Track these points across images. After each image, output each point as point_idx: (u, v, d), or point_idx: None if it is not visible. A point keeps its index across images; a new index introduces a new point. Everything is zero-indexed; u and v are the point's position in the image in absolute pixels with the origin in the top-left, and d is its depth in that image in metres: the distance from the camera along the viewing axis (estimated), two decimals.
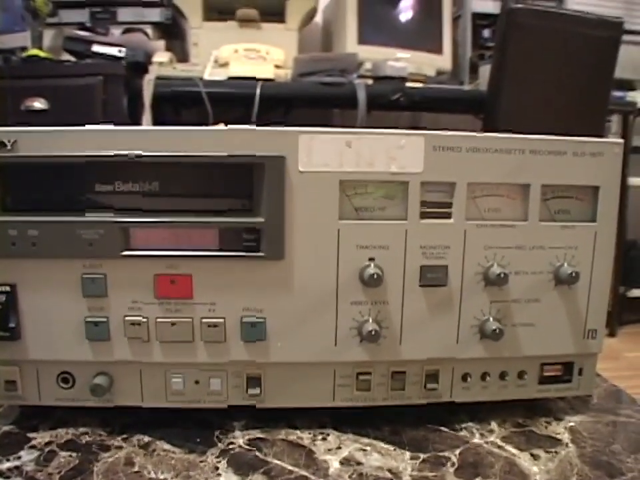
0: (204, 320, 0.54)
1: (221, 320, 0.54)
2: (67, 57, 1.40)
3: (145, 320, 0.53)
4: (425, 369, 0.57)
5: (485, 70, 1.56)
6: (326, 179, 0.52)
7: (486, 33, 2.08)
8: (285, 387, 0.57)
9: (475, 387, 0.59)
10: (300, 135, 0.51)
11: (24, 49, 1.44)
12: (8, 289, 0.53)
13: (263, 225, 0.52)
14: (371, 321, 0.54)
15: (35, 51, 1.35)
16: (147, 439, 0.55)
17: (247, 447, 0.54)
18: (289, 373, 0.56)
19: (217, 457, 0.52)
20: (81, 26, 1.47)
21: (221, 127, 0.52)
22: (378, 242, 0.53)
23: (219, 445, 0.55)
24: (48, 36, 1.51)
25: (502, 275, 0.54)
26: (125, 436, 0.55)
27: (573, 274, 0.55)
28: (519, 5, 1.37)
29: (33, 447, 0.54)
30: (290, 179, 0.51)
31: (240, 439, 0.56)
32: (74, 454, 0.52)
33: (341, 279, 0.54)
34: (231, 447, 0.54)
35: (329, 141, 0.51)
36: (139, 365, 0.55)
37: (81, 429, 0.56)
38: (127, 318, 0.53)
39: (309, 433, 0.57)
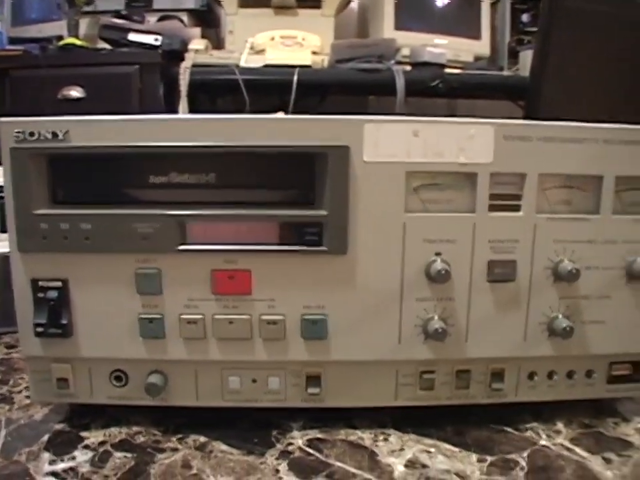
0: (263, 317, 0.52)
1: (281, 317, 0.52)
2: (103, 45, 1.39)
3: (201, 317, 0.52)
4: (490, 368, 0.55)
5: (525, 55, 1.53)
6: (392, 170, 0.50)
7: (525, 17, 2.03)
8: (346, 386, 0.55)
9: (541, 386, 0.57)
10: (365, 123, 0.49)
11: (60, 37, 1.43)
12: (60, 284, 0.51)
13: (326, 218, 0.50)
14: (436, 318, 0.52)
15: (71, 40, 1.33)
16: (202, 439, 0.53)
17: (307, 448, 0.52)
18: (350, 371, 0.54)
19: (277, 459, 0.51)
20: (117, 14, 1.45)
21: (281, 115, 0.50)
22: (445, 236, 0.51)
23: (278, 445, 0.53)
24: (84, 24, 1.49)
25: (573, 271, 0.51)
26: (179, 436, 0.54)
27: None
28: None
29: (86, 446, 0.52)
30: (354, 170, 0.49)
31: (299, 439, 0.54)
32: (129, 455, 0.51)
33: (406, 274, 0.51)
34: (290, 448, 0.52)
35: (396, 130, 0.49)
36: (194, 364, 0.54)
37: (134, 429, 0.55)
38: (182, 316, 0.52)
39: (370, 433, 0.55)
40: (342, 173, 0.49)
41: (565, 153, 0.51)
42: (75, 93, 1.22)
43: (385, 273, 0.51)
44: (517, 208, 0.52)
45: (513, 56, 1.62)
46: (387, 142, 0.49)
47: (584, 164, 0.51)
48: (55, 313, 0.51)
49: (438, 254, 0.51)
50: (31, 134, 0.49)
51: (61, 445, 0.52)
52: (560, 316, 0.53)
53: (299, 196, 0.51)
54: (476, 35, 1.59)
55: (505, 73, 1.55)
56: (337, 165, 0.49)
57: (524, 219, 0.52)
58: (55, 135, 0.49)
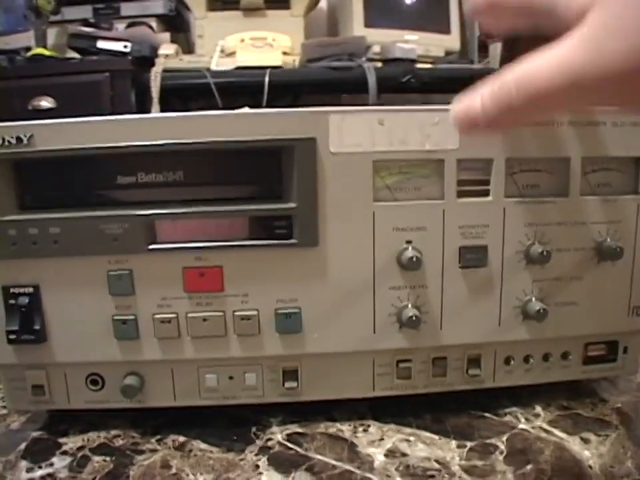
0: (236, 313, 0.51)
1: (254, 312, 0.52)
2: (72, 54, 1.38)
3: (174, 316, 0.51)
4: (466, 354, 0.55)
5: (495, 48, 1.53)
6: (359, 160, 0.50)
7: None
8: (323, 379, 0.55)
9: (517, 371, 0.57)
10: (330, 114, 0.49)
11: (28, 48, 1.41)
12: (31, 290, 0.51)
13: (295, 211, 0.50)
14: (410, 306, 0.52)
15: (39, 50, 1.32)
16: (181, 439, 0.53)
17: (287, 443, 0.52)
18: (326, 364, 0.54)
19: (257, 455, 0.51)
20: (85, 22, 1.44)
21: (246, 110, 0.50)
22: (415, 223, 0.51)
23: (257, 441, 0.53)
24: (52, 34, 1.47)
25: (544, 253, 0.51)
26: (158, 437, 0.54)
27: (617, 249, 0.53)
28: None
29: (64, 452, 0.52)
30: (321, 161, 0.49)
31: (278, 434, 0.54)
32: (108, 458, 0.51)
33: (378, 263, 0.51)
34: (269, 443, 0.52)
35: (361, 120, 0.49)
36: (170, 363, 0.53)
37: (113, 432, 0.55)
38: (156, 316, 0.51)
39: (349, 425, 0.55)
40: (309, 165, 0.49)
41: (531, 136, 0.51)
42: (46, 103, 1.21)
43: (357, 263, 0.51)
44: (485, 193, 0.52)
45: (483, 49, 1.62)
46: (352, 132, 0.49)
47: (550, 147, 0.52)
48: (27, 319, 0.51)
49: (409, 242, 0.51)
50: None
51: (39, 452, 0.52)
52: (533, 299, 0.54)
53: (268, 190, 0.51)
54: (446, 30, 1.59)
55: (476, 65, 1.55)
56: (303, 157, 0.49)
57: (493, 204, 0.52)
58: (19, 139, 0.48)
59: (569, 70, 0.33)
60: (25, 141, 0.48)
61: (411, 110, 0.50)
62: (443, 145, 0.50)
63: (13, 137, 0.48)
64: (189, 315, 0.51)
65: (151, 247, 0.50)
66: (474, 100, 0.36)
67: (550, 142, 0.51)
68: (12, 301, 0.51)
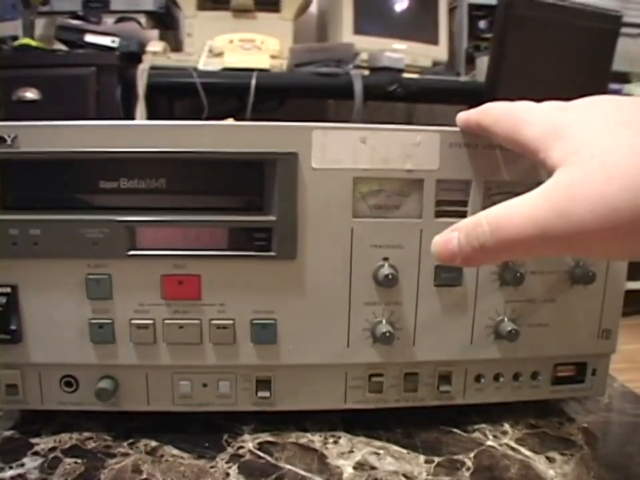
0: (213, 321, 0.52)
1: (231, 321, 0.52)
2: (59, 46, 1.38)
3: (151, 322, 0.52)
4: (437, 371, 0.56)
5: (482, 61, 1.55)
6: (339, 176, 0.50)
7: (482, 24, 2.05)
8: (296, 390, 0.55)
9: (488, 389, 0.58)
10: (313, 130, 0.49)
11: (15, 38, 1.41)
12: (9, 290, 0.51)
13: (275, 224, 0.50)
14: (384, 322, 0.53)
15: (26, 40, 1.32)
16: (153, 443, 0.54)
17: (258, 452, 0.53)
18: (299, 375, 0.55)
19: (227, 462, 0.51)
20: (74, 15, 1.44)
21: (230, 121, 0.50)
22: (392, 241, 0.52)
23: (228, 449, 0.53)
24: (40, 25, 1.47)
25: (518, 275, 0.52)
26: (131, 441, 0.54)
27: (590, 273, 0.54)
28: None
29: (36, 453, 0.52)
30: (302, 176, 0.50)
31: (249, 442, 0.54)
32: (79, 460, 0.51)
33: (354, 279, 0.52)
34: (240, 451, 0.53)
35: (343, 137, 0.50)
36: (145, 368, 0.54)
37: (85, 434, 0.55)
38: (133, 321, 0.52)
39: (320, 436, 0.55)
40: (291, 179, 0.49)
41: (510, 160, 0.52)
42: (30, 94, 1.21)
43: (334, 277, 0.52)
44: (463, 214, 0.52)
45: (471, 61, 1.64)
46: (334, 148, 0.50)
47: (528, 171, 0.53)
48: (4, 319, 0.51)
49: (385, 259, 0.52)
50: None
51: (10, 452, 0.52)
52: (506, 319, 0.55)
53: (248, 202, 0.51)
54: (434, 40, 1.60)
55: (462, 78, 1.57)
56: (285, 171, 0.49)
57: None
58: (2, 139, 0.48)
59: (538, 222, 0.35)
60: (9, 142, 0.49)
61: (394, 129, 0.51)
62: (424, 165, 0.51)
63: None
64: (166, 321, 0.52)
65: (131, 252, 0.50)
66: (452, 237, 0.40)
67: (527, 166, 0.52)
68: None
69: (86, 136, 0.49)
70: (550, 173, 0.38)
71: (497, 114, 0.45)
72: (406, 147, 0.50)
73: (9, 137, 0.49)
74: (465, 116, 0.49)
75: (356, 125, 0.50)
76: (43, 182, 0.51)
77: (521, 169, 0.52)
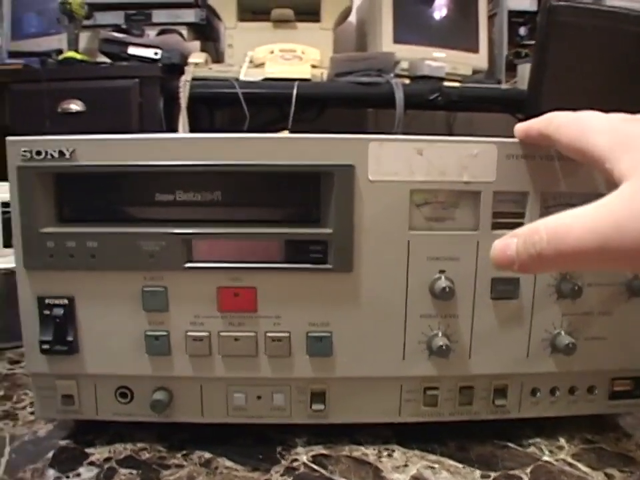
0: (268, 334, 0.52)
1: (286, 334, 0.52)
2: (103, 59, 1.40)
3: (207, 334, 0.52)
4: (493, 384, 0.55)
5: (523, 68, 1.54)
6: (396, 189, 0.50)
7: (522, 30, 2.04)
8: (350, 402, 0.55)
9: (543, 402, 0.57)
10: (370, 142, 0.49)
11: (60, 51, 1.43)
12: (66, 301, 0.52)
13: (331, 237, 0.50)
14: (440, 335, 0.52)
15: (71, 54, 1.34)
16: (207, 455, 0.54)
17: (312, 464, 0.53)
18: (354, 387, 0.55)
19: (282, 475, 0.51)
20: (117, 28, 1.46)
21: (285, 134, 0.51)
22: (449, 253, 0.51)
23: (283, 462, 0.53)
24: (84, 38, 1.50)
25: (576, 288, 0.52)
26: (184, 452, 0.54)
27: None
28: (560, 2, 1.34)
29: (92, 463, 0.52)
30: (359, 189, 0.50)
31: (303, 455, 0.54)
32: (134, 471, 0.51)
33: (411, 291, 0.52)
34: (295, 464, 0.53)
35: (399, 149, 0.50)
36: (199, 380, 0.54)
37: (139, 445, 0.55)
38: (188, 333, 0.52)
39: (374, 449, 0.55)
40: (347, 192, 0.49)
41: (567, 172, 0.51)
42: (75, 106, 1.22)
43: (390, 290, 0.52)
44: (520, 226, 0.52)
45: (511, 69, 1.62)
46: (390, 160, 0.50)
47: (585, 182, 0.52)
48: (61, 330, 0.52)
49: (442, 271, 0.52)
50: (38, 153, 0.49)
51: (66, 462, 0.52)
52: (562, 332, 0.54)
53: (304, 214, 0.51)
54: (474, 48, 1.60)
55: (503, 86, 1.56)
56: (342, 184, 0.49)
57: None
58: (61, 153, 0.49)
59: (598, 235, 0.35)
60: (67, 155, 0.49)
61: (450, 141, 0.50)
62: (480, 177, 0.50)
63: (55, 151, 0.49)
64: (221, 333, 0.52)
65: (187, 265, 0.51)
66: (510, 243, 0.40)
67: (585, 178, 0.51)
68: (46, 312, 0.52)
69: (142, 150, 0.50)
70: (613, 183, 0.37)
71: (562, 122, 0.44)
72: (462, 159, 0.50)
73: (68, 150, 0.49)
74: (525, 126, 0.49)
75: (412, 137, 0.50)
76: (100, 195, 0.52)
77: (578, 180, 0.52)
